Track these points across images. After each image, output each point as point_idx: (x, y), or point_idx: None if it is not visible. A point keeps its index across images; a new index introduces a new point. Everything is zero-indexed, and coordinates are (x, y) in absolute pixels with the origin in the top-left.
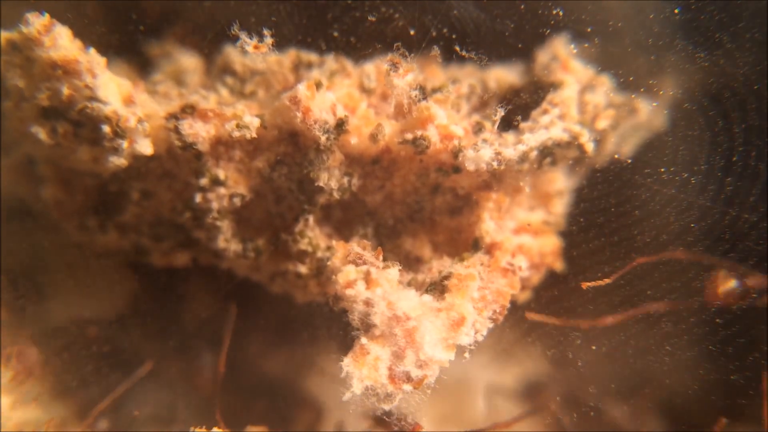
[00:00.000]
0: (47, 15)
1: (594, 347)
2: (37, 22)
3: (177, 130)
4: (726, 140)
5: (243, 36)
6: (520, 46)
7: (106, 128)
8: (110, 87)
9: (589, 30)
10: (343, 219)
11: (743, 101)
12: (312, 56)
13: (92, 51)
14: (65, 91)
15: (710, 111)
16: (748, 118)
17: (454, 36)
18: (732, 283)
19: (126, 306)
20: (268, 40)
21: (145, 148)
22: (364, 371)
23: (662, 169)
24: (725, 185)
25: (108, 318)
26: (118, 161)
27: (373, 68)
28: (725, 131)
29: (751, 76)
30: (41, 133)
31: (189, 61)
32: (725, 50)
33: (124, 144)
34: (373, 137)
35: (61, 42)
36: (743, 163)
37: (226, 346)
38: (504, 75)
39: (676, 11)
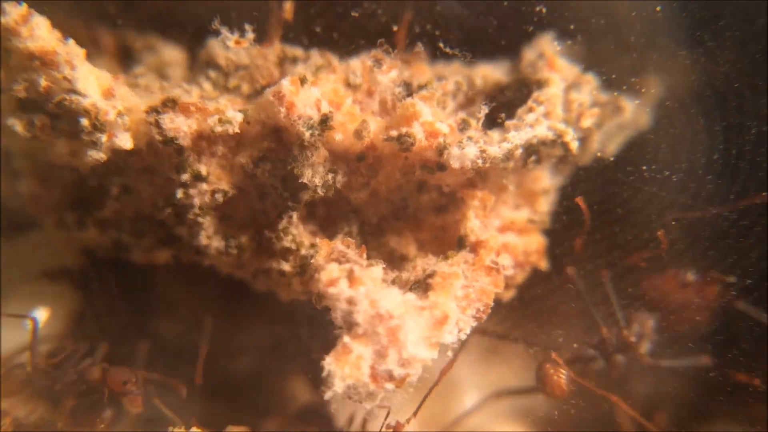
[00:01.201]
0: (25, 5)
1: (575, 345)
2: (14, 11)
3: (158, 124)
4: (706, 138)
5: (224, 31)
6: (503, 42)
7: (85, 121)
8: (89, 79)
9: (571, 27)
10: (328, 216)
11: (724, 99)
12: (297, 51)
13: (71, 42)
14: (43, 82)
15: (691, 109)
16: (729, 116)
17: (437, 33)
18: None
19: (102, 305)
20: (250, 35)
21: (125, 142)
22: (346, 370)
23: (644, 167)
24: (705, 183)
25: (81, 317)
26: (97, 155)
27: (359, 64)
28: (706, 129)
29: (732, 74)
30: (18, 125)
31: (172, 54)
32: (706, 48)
33: (103, 138)
34: (358, 134)
35: (39, 32)
36: (723, 161)
37: (202, 357)
38: (491, 72)
39: (658, 9)
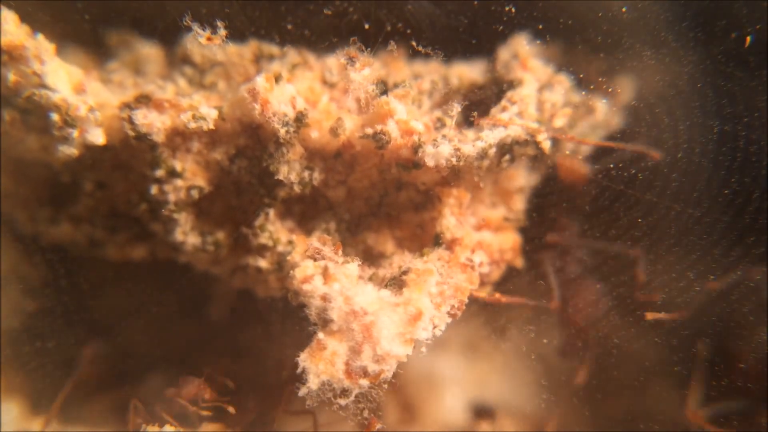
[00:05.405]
0: None
1: (545, 341)
2: None
3: (130, 120)
4: (671, 137)
5: (195, 27)
6: (474, 42)
7: (55, 116)
8: (60, 74)
9: (540, 27)
10: (306, 213)
11: (687, 99)
12: (273, 48)
13: (40, 37)
14: (11, 77)
15: (656, 108)
16: (692, 115)
17: (409, 31)
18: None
19: (72, 300)
20: (222, 32)
21: (97, 137)
22: (320, 366)
23: (611, 165)
24: (670, 181)
25: (52, 312)
26: (69, 151)
27: (335, 61)
28: (670, 128)
29: (695, 74)
30: None
31: (149, 51)
32: (670, 49)
33: (75, 133)
34: (334, 131)
35: (7, 27)
36: (687, 159)
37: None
38: (467, 72)
39: (624, 10)
